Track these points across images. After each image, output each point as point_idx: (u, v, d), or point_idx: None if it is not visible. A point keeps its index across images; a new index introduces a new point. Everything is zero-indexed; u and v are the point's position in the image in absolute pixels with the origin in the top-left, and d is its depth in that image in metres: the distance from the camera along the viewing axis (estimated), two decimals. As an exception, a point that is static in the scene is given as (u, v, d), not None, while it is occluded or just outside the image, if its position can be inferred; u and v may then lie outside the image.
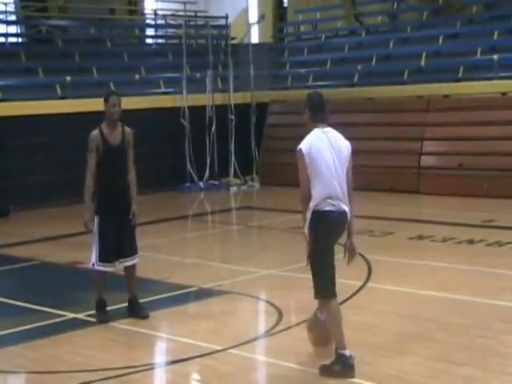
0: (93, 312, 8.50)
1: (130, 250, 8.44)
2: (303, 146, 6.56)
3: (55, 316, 8.72)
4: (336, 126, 6.79)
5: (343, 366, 6.50)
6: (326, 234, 6.53)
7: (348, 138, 6.66)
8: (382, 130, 18.32)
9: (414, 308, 8.58)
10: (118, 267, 8.48)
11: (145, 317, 8.41)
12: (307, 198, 6.53)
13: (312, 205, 6.50)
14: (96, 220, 8.31)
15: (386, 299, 8.99)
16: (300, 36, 24.94)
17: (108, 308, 8.51)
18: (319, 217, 6.49)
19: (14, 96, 17.55)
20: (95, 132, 8.40)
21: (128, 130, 8.56)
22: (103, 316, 8.40)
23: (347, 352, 6.53)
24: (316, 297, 6.64)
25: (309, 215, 6.52)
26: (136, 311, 8.47)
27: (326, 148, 6.56)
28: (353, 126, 18.59)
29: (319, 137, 6.62)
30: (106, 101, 8.42)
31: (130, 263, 8.47)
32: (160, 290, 9.70)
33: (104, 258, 8.30)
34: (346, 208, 6.59)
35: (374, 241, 12.40)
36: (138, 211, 8.48)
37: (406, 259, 10.95)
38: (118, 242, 8.33)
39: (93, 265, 8.37)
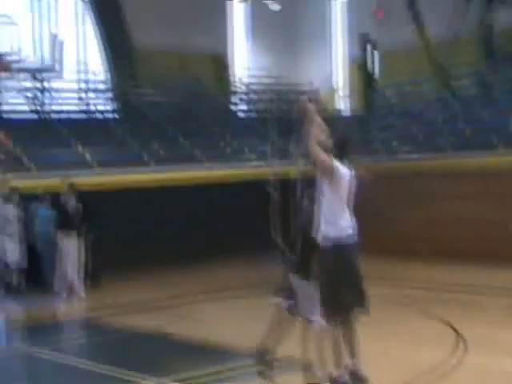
0: (179, 377, 8.39)
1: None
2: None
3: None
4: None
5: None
6: None
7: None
8: (476, 201, 17.93)
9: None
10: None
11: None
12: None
13: None
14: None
15: (481, 378, 8.49)
16: (390, 106, 24.85)
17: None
18: None
19: (108, 169, 17.94)
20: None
21: None
22: (265, 366, 8.11)
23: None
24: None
25: None
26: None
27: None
28: (446, 198, 18.38)
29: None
30: None
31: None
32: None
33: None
34: None
35: (466, 308, 12.01)
36: None
37: (504, 331, 10.48)
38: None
39: (318, 322, 7.43)
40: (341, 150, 7.32)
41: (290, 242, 8.69)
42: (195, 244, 18.11)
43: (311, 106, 7.33)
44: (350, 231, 7.09)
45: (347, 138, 7.54)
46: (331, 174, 7.09)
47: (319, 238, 7.11)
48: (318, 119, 7.24)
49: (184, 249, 17.91)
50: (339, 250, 7.01)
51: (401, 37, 23.69)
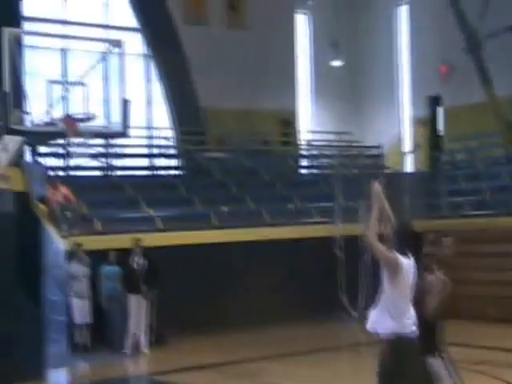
0: None
1: None
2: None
3: None
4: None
5: None
6: None
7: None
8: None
9: None
10: None
11: None
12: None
13: None
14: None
15: None
16: (456, 164, 24.62)
17: None
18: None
19: (173, 226, 18.05)
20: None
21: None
22: None
23: None
24: None
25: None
26: None
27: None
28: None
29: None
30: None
31: None
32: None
33: None
34: None
35: None
36: None
37: None
38: None
39: None
40: (403, 240, 6.99)
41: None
42: (260, 303, 18.03)
43: (381, 193, 7.07)
44: (413, 327, 6.86)
45: (410, 226, 7.18)
46: (395, 270, 6.77)
47: (379, 331, 6.86)
48: (386, 206, 7.07)
49: (249, 308, 17.84)
50: (402, 347, 6.77)
51: (467, 93, 23.57)
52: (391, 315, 6.73)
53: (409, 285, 6.86)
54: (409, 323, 6.80)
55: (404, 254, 6.91)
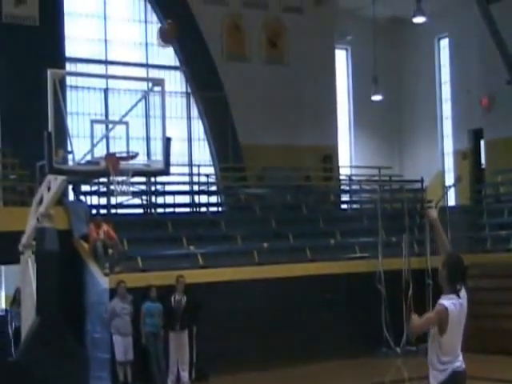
0: None
1: None
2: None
3: None
4: None
5: None
6: None
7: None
8: None
9: None
10: None
11: None
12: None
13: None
14: None
15: None
16: (500, 197, 24.33)
17: None
18: None
19: (214, 263, 18.06)
20: None
21: None
22: None
23: None
24: None
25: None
26: None
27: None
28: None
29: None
30: None
31: None
32: None
33: None
34: None
35: None
36: None
37: None
38: None
39: None
40: (454, 272, 6.74)
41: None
42: (300, 339, 17.93)
43: (437, 219, 6.94)
44: (463, 365, 6.81)
45: (459, 258, 6.88)
46: (446, 323, 6.65)
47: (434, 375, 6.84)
48: (442, 232, 6.96)
49: (289, 343, 17.74)
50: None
51: (509, 125, 23.40)
52: (441, 361, 6.74)
53: (460, 325, 6.77)
54: (459, 359, 6.79)
55: (454, 289, 6.72)
